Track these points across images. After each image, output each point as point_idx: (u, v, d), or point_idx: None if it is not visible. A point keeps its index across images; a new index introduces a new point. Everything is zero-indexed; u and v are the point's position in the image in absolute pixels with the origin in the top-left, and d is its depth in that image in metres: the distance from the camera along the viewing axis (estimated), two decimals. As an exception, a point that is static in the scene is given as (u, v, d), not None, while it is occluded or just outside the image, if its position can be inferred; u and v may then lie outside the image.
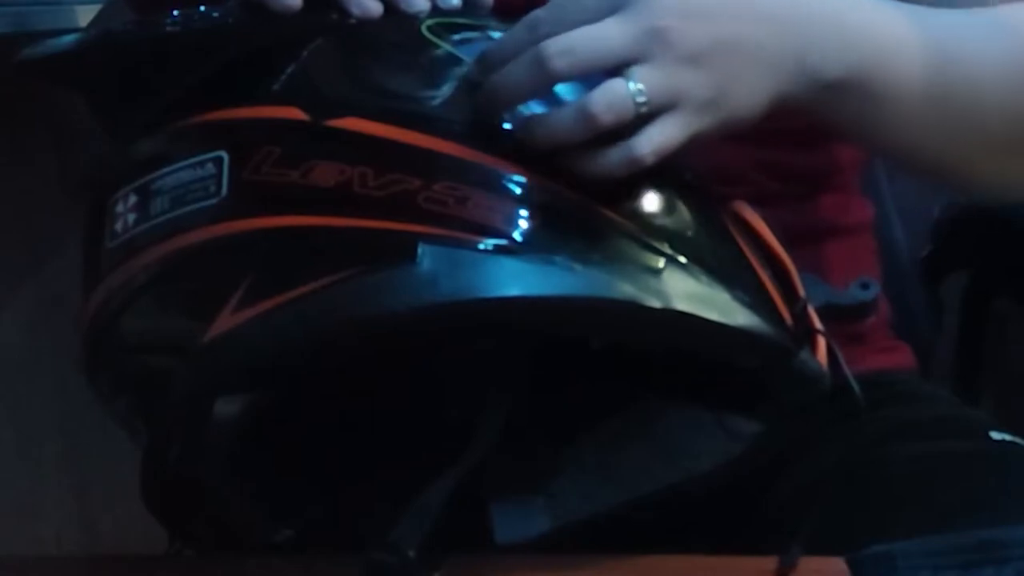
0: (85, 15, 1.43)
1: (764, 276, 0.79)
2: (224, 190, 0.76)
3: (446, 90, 0.77)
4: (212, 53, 0.80)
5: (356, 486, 0.86)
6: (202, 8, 0.82)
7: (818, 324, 0.81)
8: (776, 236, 0.82)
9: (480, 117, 0.77)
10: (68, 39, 0.83)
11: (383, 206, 0.73)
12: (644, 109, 0.76)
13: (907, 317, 1.17)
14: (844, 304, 0.85)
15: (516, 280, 0.73)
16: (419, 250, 0.72)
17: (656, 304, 0.74)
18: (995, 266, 1.31)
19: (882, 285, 0.88)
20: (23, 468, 1.61)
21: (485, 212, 0.73)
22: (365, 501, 0.85)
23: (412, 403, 0.88)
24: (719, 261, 0.77)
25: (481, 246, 0.73)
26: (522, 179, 0.75)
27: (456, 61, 0.79)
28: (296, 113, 0.76)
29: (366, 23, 0.80)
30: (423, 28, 0.80)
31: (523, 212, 0.74)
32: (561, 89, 0.77)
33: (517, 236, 0.74)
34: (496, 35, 0.80)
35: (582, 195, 0.75)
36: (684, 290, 0.75)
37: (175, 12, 0.81)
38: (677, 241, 0.76)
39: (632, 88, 0.75)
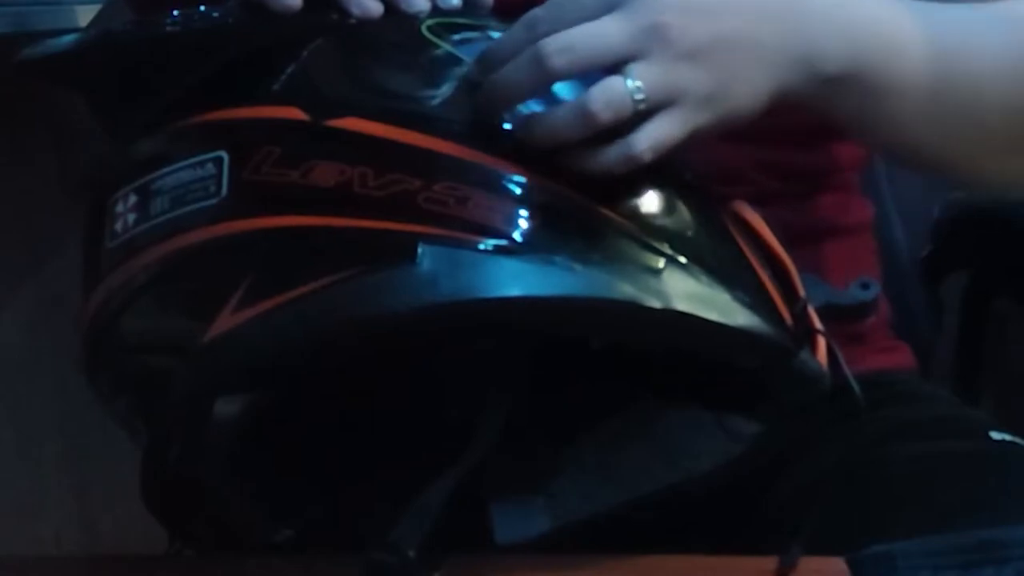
0: (85, 15, 1.43)
1: (764, 276, 0.79)
2: (224, 190, 0.76)
3: (446, 90, 0.78)
4: (212, 53, 0.80)
5: (356, 486, 0.86)
6: (202, 8, 0.82)
7: (818, 324, 0.81)
8: (776, 236, 0.82)
9: (480, 117, 0.77)
10: (68, 39, 0.83)
11: (383, 206, 0.73)
12: (643, 106, 0.76)
13: (907, 317, 1.17)
14: (844, 304, 0.85)
15: (516, 280, 0.73)
16: (419, 250, 0.72)
17: (656, 304, 0.74)
18: (995, 266, 1.31)
19: (882, 285, 0.88)
20: (23, 468, 1.61)
21: (485, 212, 0.74)
22: (365, 501, 0.85)
23: (412, 403, 0.88)
24: (719, 261, 0.77)
25: (481, 246, 0.73)
26: (522, 179, 0.75)
27: (456, 61, 0.79)
28: (296, 113, 0.76)
29: (366, 23, 0.80)
30: (423, 28, 0.80)
31: (523, 212, 0.74)
32: (560, 88, 0.77)
33: (517, 236, 0.74)
34: (496, 35, 0.80)
35: (582, 195, 0.75)
36: (684, 290, 0.75)
37: (175, 12, 0.81)
38: (677, 241, 0.76)
39: (630, 85, 0.75)
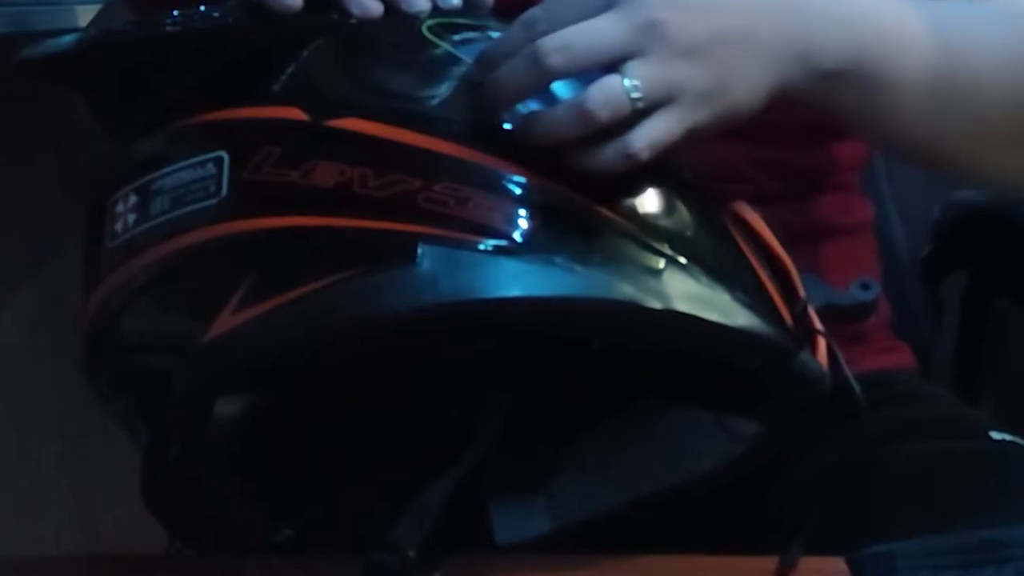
0: (85, 15, 1.43)
1: (764, 276, 0.79)
2: (224, 190, 0.76)
3: (446, 90, 0.78)
4: (212, 53, 0.80)
5: (356, 486, 0.86)
6: (202, 8, 0.82)
7: (818, 325, 0.81)
8: (776, 236, 0.82)
9: (480, 117, 0.77)
10: (68, 39, 0.83)
11: (383, 206, 0.73)
12: (640, 104, 0.76)
13: (907, 317, 1.17)
14: (844, 304, 0.85)
15: (516, 281, 0.73)
16: (419, 250, 0.72)
17: (656, 305, 0.74)
18: (995, 266, 1.31)
19: (882, 285, 0.88)
20: (23, 468, 1.61)
21: (485, 212, 0.74)
22: (365, 501, 0.85)
23: (412, 403, 0.88)
24: (719, 261, 0.77)
25: (481, 247, 0.73)
26: (522, 179, 0.75)
27: (456, 61, 0.79)
28: (296, 113, 0.76)
29: (366, 23, 0.80)
30: (423, 28, 0.80)
31: (523, 213, 0.74)
32: (559, 87, 0.77)
33: (517, 237, 0.74)
34: (496, 35, 0.80)
35: (582, 195, 0.75)
36: (684, 291, 0.75)
37: (175, 12, 0.81)
38: (677, 242, 0.76)
39: (628, 84, 0.75)
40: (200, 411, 0.77)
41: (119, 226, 0.79)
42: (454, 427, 0.84)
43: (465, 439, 0.83)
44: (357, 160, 0.74)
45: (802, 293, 0.81)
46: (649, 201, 0.77)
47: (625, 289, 0.74)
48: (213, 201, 0.76)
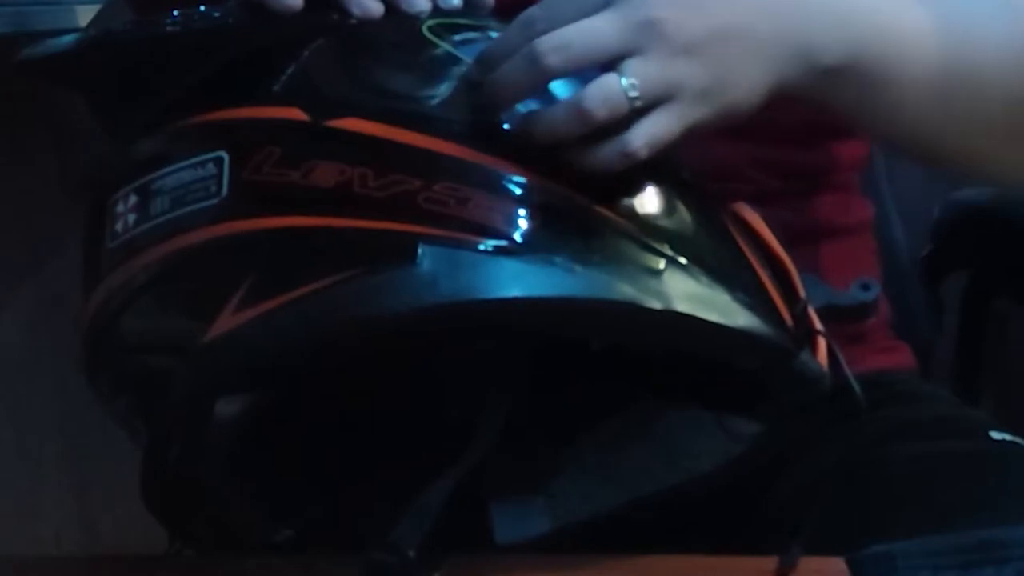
0: (85, 15, 1.43)
1: (764, 277, 0.79)
2: (224, 190, 0.76)
3: (446, 90, 0.78)
4: (212, 53, 0.80)
5: (356, 486, 0.86)
6: (202, 8, 0.82)
7: (818, 325, 0.81)
8: (776, 236, 0.82)
9: (480, 117, 0.77)
10: (68, 39, 0.83)
11: (383, 207, 0.73)
12: (638, 103, 0.76)
13: (907, 317, 1.17)
14: (844, 305, 0.85)
15: (516, 281, 0.73)
16: (419, 251, 0.72)
17: (656, 305, 0.74)
18: (995, 266, 1.31)
19: (882, 285, 0.88)
20: (23, 468, 1.61)
21: (485, 213, 0.74)
22: (365, 501, 0.85)
23: (412, 403, 0.88)
24: (719, 262, 0.77)
25: (481, 247, 0.73)
26: (522, 180, 0.75)
27: (456, 61, 0.79)
28: (297, 113, 0.76)
29: (367, 23, 0.80)
30: (424, 28, 0.80)
31: (523, 213, 0.74)
32: (558, 86, 0.77)
33: (517, 237, 0.74)
34: (496, 35, 0.80)
35: (583, 196, 0.75)
36: (684, 291, 0.75)
37: (175, 12, 0.81)
38: (677, 242, 0.76)
39: (625, 83, 0.75)
40: (200, 411, 0.77)
41: (119, 226, 0.79)
42: (454, 427, 0.84)
43: (465, 439, 0.83)
44: (357, 160, 0.74)
45: (802, 293, 0.81)
46: (649, 201, 0.77)
47: (625, 289, 0.74)
48: (213, 201, 0.76)
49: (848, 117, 0.90)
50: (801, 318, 0.80)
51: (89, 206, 0.82)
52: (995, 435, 0.94)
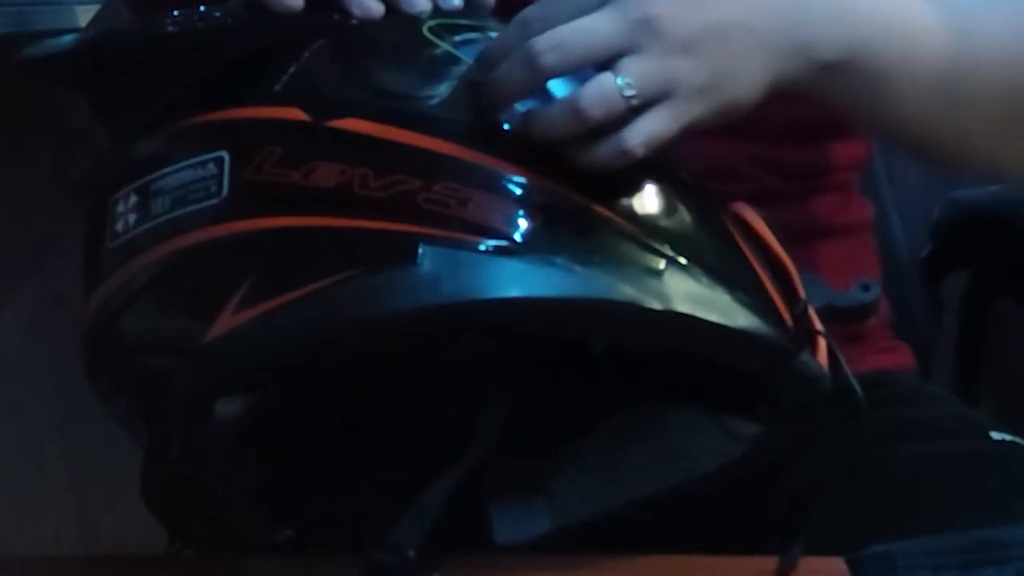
0: (85, 15, 1.42)
1: (764, 277, 0.79)
2: (225, 190, 0.76)
3: (446, 91, 0.78)
4: (212, 53, 0.80)
5: (356, 486, 0.86)
6: (202, 8, 0.82)
7: (819, 325, 0.81)
8: (776, 236, 0.82)
9: (480, 117, 0.77)
10: (68, 39, 0.83)
11: (384, 207, 0.73)
12: (635, 102, 0.76)
13: (907, 317, 1.17)
14: (844, 305, 0.85)
15: (516, 281, 0.73)
16: (420, 251, 0.72)
17: (656, 306, 0.74)
18: (995, 266, 1.31)
19: (882, 285, 0.88)
20: (23, 468, 1.60)
21: (486, 213, 0.74)
22: (365, 501, 0.85)
23: (412, 403, 0.88)
24: (719, 262, 0.77)
25: (481, 247, 0.73)
26: (522, 180, 0.75)
27: (456, 62, 0.79)
28: (297, 114, 0.76)
29: (368, 24, 0.80)
30: (424, 29, 0.80)
31: (523, 213, 0.74)
32: (558, 85, 0.77)
33: (517, 237, 0.74)
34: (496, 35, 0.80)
35: (583, 196, 0.75)
36: (685, 291, 0.75)
37: (175, 12, 0.81)
38: (677, 242, 0.76)
39: (621, 82, 0.75)
40: (200, 411, 0.77)
41: (119, 226, 0.79)
42: (454, 427, 0.84)
43: (465, 439, 0.83)
44: (358, 160, 0.74)
45: (802, 294, 0.81)
46: (649, 201, 0.77)
47: (625, 290, 0.74)
48: (214, 201, 0.76)
49: (848, 113, 0.90)
50: (801, 318, 0.80)
51: (89, 206, 0.82)
52: (995, 435, 0.94)
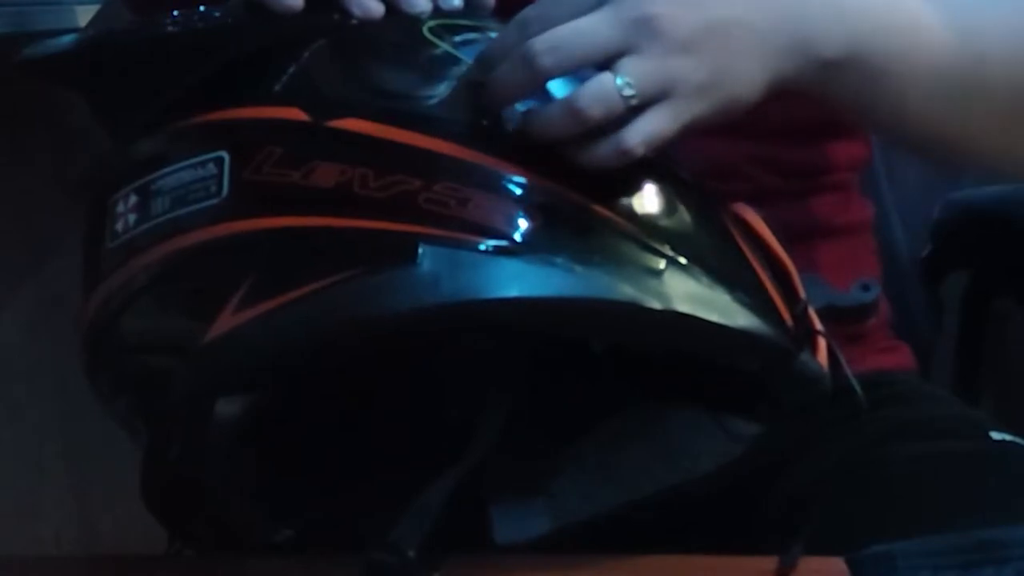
0: (85, 15, 1.42)
1: (765, 277, 0.79)
2: (225, 190, 0.76)
3: (446, 91, 0.78)
4: (212, 53, 0.80)
5: (356, 486, 0.86)
6: (202, 8, 0.82)
7: (818, 325, 0.81)
8: (776, 236, 0.82)
9: (479, 117, 0.77)
10: (68, 39, 0.83)
11: (384, 207, 0.73)
12: (634, 101, 0.76)
13: (907, 317, 1.16)
14: (844, 305, 0.85)
15: (516, 281, 0.73)
16: (420, 251, 0.72)
17: (657, 305, 0.74)
18: (995, 266, 1.31)
19: (882, 285, 0.88)
20: (23, 468, 1.60)
21: (486, 213, 0.74)
22: (365, 501, 0.85)
23: (412, 403, 0.88)
24: (720, 262, 0.77)
25: (482, 247, 0.73)
26: (522, 180, 0.75)
27: (456, 62, 0.79)
28: (297, 114, 0.76)
29: (368, 24, 0.80)
30: (424, 29, 0.80)
31: (523, 213, 0.74)
32: (559, 85, 0.77)
33: (517, 237, 0.74)
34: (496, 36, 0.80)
35: (583, 196, 0.75)
36: (685, 291, 0.75)
37: (175, 12, 0.81)
38: (678, 242, 0.76)
39: (620, 82, 0.75)
40: (200, 411, 0.77)
41: (119, 226, 0.79)
42: (454, 427, 0.84)
43: (465, 439, 0.83)
44: (358, 160, 0.74)
45: (802, 294, 0.81)
46: (649, 201, 0.77)
47: (625, 290, 0.74)
48: (214, 201, 0.76)
49: (848, 111, 0.90)
50: (801, 318, 0.80)
51: (89, 206, 0.82)
52: (995, 435, 0.94)
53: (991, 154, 0.92)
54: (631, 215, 0.76)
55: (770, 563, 0.79)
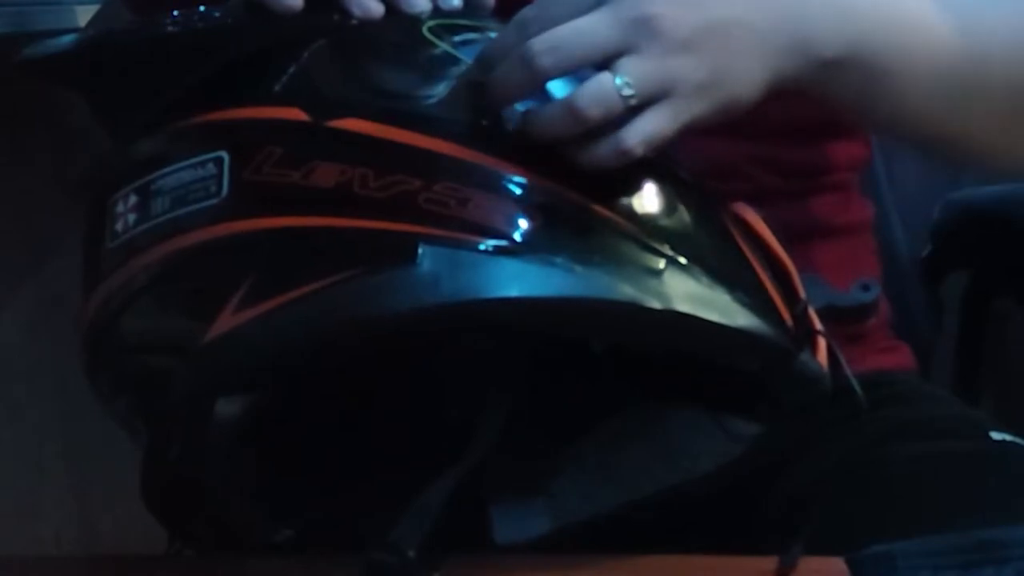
0: (85, 15, 1.43)
1: (764, 277, 0.79)
2: (225, 190, 0.76)
3: (446, 91, 0.78)
4: (212, 53, 0.80)
5: (356, 486, 0.86)
6: (202, 8, 0.82)
7: (818, 325, 0.81)
8: (776, 236, 0.82)
9: (479, 117, 0.77)
10: (68, 39, 0.83)
11: (384, 207, 0.73)
12: (633, 101, 0.76)
13: (907, 317, 1.17)
14: (844, 305, 0.85)
15: (516, 281, 0.73)
16: (419, 251, 0.72)
17: (656, 305, 0.74)
18: (995, 266, 1.31)
19: (882, 285, 0.88)
20: (23, 468, 1.60)
21: (485, 213, 0.74)
22: (365, 501, 0.85)
23: (412, 403, 0.88)
24: (720, 262, 0.77)
25: (481, 247, 0.73)
26: (522, 180, 0.75)
27: (456, 62, 0.79)
28: (297, 114, 0.76)
29: (367, 24, 0.80)
30: (424, 29, 0.80)
31: (523, 213, 0.74)
32: (559, 85, 0.77)
33: (517, 237, 0.74)
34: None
35: (583, 196, 0.75)
36: (684, 291, 0.75)
37: (175, 12, 0.82)
38: (677, 242, 0.76)
39: (619, 82, 0.75)
40: (200, 411, 0.77)
41: (119, 226, 0.79)
42: (454, 427, 0.84)
43: (465, 439, 0.83)
44: (358, 160, 0.74)
45: (802, 294, 0.81)
46: (649, 201, 0.77)
47: (625, 289, 0.74)
48: (214, 201, 0.76)
49: (849, 110, 0.90)
50: (801, 318, 0.80)
51: (89, 206, 0.82)
52: (995, 435, 0.94)
53: (991, 154, 0.92)
54: (631, 215, 0.76)
55: (770, 563, 0.79)
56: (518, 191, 0.75)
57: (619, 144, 0.75)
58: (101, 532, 1.69)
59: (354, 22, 0.80)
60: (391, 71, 0.80)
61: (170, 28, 0.81)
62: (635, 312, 0.74)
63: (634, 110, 0.76)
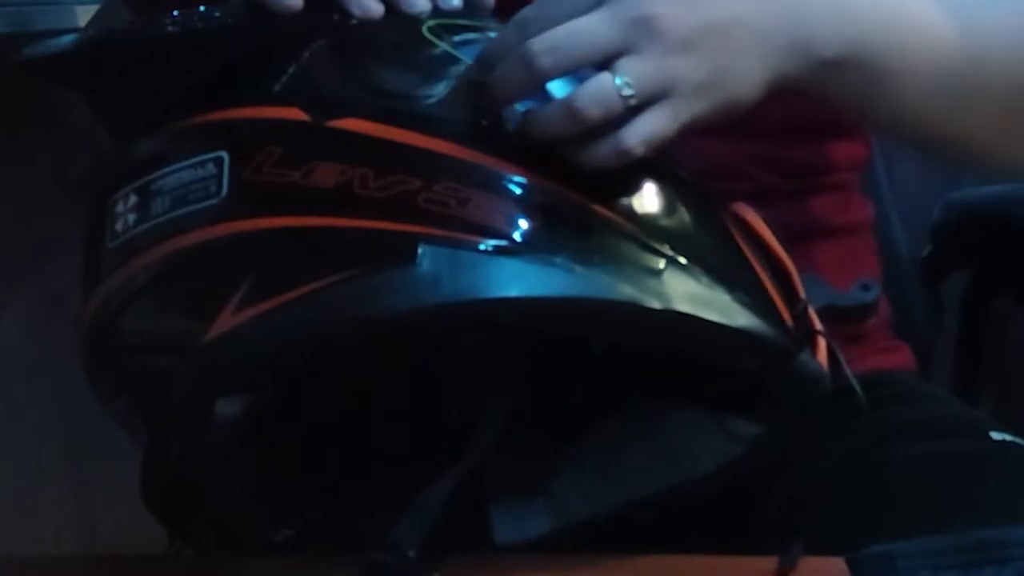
0: (85, 15, 1.43)
1: (764, 277, 0.79)
2: (225, 190, 0.76)
3: (446, 91, 0.78)
4: (212, 53, 0.80)
5: (356, 486, 0.86)
6: (202, 8, 0.82)
7: (818, 325, 0.81)
8: (776, 236, 0.82)
9: (479, 117, 0.77)
10: (68, 39, 0.83)
11: (384, 207, 0.73)
12: (633, 101, 0.76)
13: (907, 317, 1.17)
14: (844, 305, 0.85)
15: (516, 281, 0.73)
16: (419, 251, 0.72)
17: (656, 305, 0.74)
18: (995, 266, 1.31)
19: (882, 285, 0.88)
20: (23, 468, 1.60)
21: (485, 213, 0.74)
22: (365, 501, 0.85)
23: (412, 403, 0.88)
24: (720, 262, 0.77)
25: (481, 247, 0.73)
26: (522, 180, 0.75)
27: (456, 62, 0.79)
28: (297, 114, 0.76)
29: (367, 24, 0.80)
30: (424, 29, 0.80)
31: (523, 213, 0.74)
32: (559, 85, 0.77)
33: (517, 237, 0.74)
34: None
35: (583, 196, 0.75)
36: (684, 291, 0.75)
37: (175, 12, 0.82)
38: (677, 242, 0.76)
39: (619, 82, 0.75)
40: (200, 411, 0.77)
41: (119, 226, 0.79)
42: (454, 427, 0.84)
43: (465, 439, 0.83)
44: (358, 160, 0.74)
45: (802, 293, 0.81)
46: (649, 201, 0.77)
47: (625, 289, 0.74)
48: (213, 201, 0.76)
49: (849, 110, 0.90)
50: (801, 318, 0.80)
51: (89, 206, 0.82)
52: (995, 435, 0.94)
53: (991, 154, 0.92)
54: (631, 215, 0.76)
55: (770, 563, 0.79)
56: (518, 191, 0.75)
57: (619, 144, 0.75)
58: (101, 532, 1.69)
59: (354, 22, 0.80)
60: (391, 71, 0.80)
61: (170, 28, 0.81)
62: (635, 312, 0.74)
63: (634, 110, 0.76)
